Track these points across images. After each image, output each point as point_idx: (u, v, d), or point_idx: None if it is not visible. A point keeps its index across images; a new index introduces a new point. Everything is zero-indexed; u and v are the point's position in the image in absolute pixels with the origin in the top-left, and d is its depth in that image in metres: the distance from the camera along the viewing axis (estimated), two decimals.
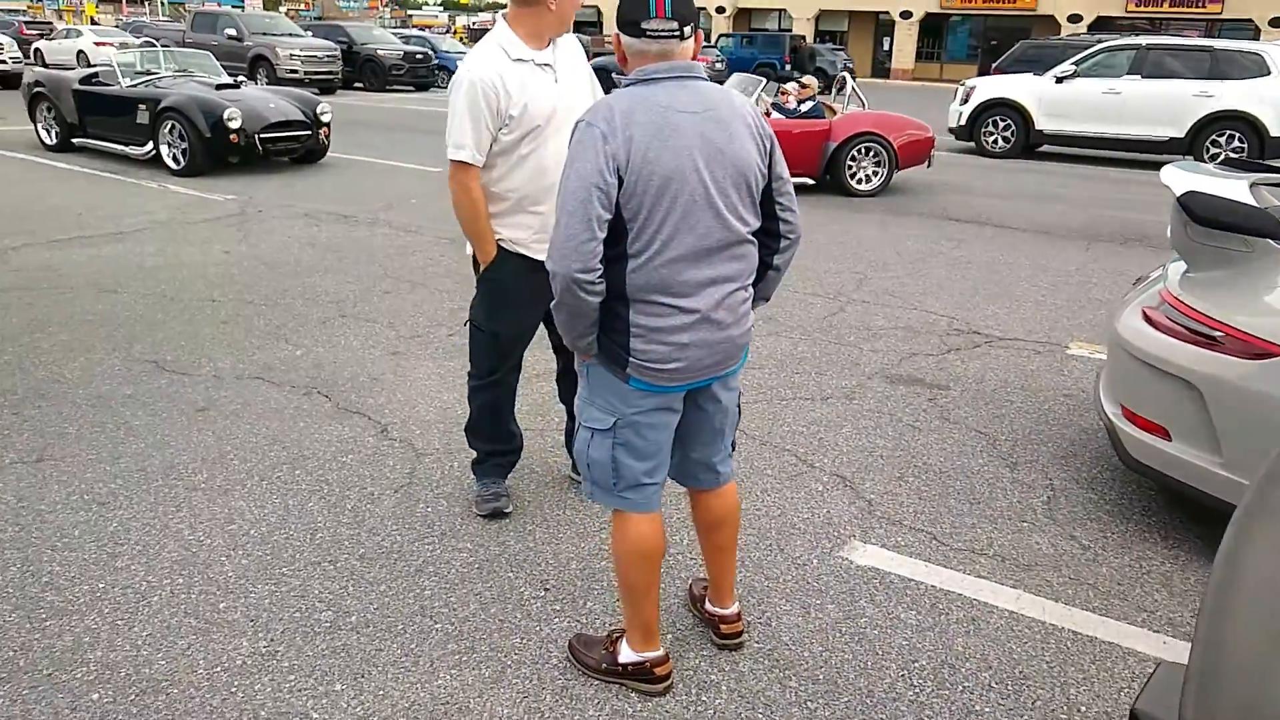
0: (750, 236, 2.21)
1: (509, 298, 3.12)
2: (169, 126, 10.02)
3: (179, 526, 3.22)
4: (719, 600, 2.68)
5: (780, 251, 2.33)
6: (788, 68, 30.39)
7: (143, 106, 10.24)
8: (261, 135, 10.13)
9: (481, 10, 76.97)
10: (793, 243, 2.34)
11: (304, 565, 3.03)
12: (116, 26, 35.22)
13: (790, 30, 39.30)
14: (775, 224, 2.28)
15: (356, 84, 24.07)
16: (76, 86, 11.07)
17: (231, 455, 3.76)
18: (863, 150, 10.12)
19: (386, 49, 24.56)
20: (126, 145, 10.57)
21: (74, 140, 11.20)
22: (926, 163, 10.55)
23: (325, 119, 10.88)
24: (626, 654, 2.49)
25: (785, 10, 42.78)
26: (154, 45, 13.86)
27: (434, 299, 5.97)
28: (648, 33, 2.08)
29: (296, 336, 5.18)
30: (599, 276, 2.06)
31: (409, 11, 78.00)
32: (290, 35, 22.64)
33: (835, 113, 10.49)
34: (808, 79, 10.89)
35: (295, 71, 20.72)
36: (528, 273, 3.02)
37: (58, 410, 4.11)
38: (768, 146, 2.23)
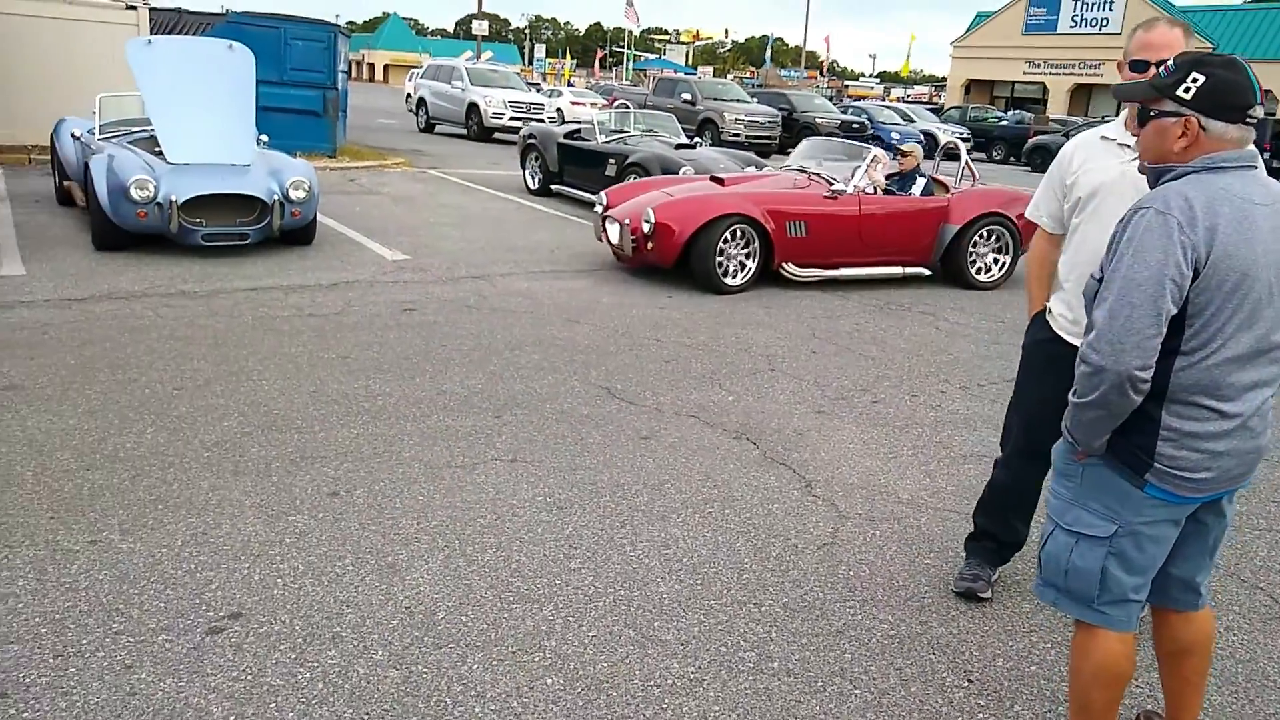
0: None
1: (1031, 372, 3.11)
2: (631, 179, 11.09)
3: (622, 542, 3.51)
4: None
5: None
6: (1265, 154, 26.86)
7: (612, 160, 11.45)
8: None
9: (918, 83, 76.83)
10: None
11: (730, 602, 3.15)
12: (588, 88, 39.83)
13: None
14: None
15: (789, 149, 25.00)
16: (561, 140, 12.66)
17: (669, 484, 4.03)
18: (984, 234, 8.66)
19: (825, 117, 25.30)
20: (594, 194, 11.84)
21: (551, 186, 12.79)
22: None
23: None
24: None
25: None
26: (628, 108, 15.45)
27: (858, 364, 6.01)
28: (1248, 118, 1.95)
29: (728, 382, 5.46)
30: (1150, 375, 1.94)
31: (845, 82, 79.87)
32: (738, 101, 24.13)
33: (947, 189, 8.88)
34: (910, 146, 9.33)
35: (738, 135, 22.01)
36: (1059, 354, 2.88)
37: (529, 419, 4.68)
38: None
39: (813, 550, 3.55)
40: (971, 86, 44.35)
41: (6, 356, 5.04)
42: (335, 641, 2.79)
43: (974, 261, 8.62)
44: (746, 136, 22.17)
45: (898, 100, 51.70)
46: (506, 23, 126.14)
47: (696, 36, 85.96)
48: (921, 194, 8.68)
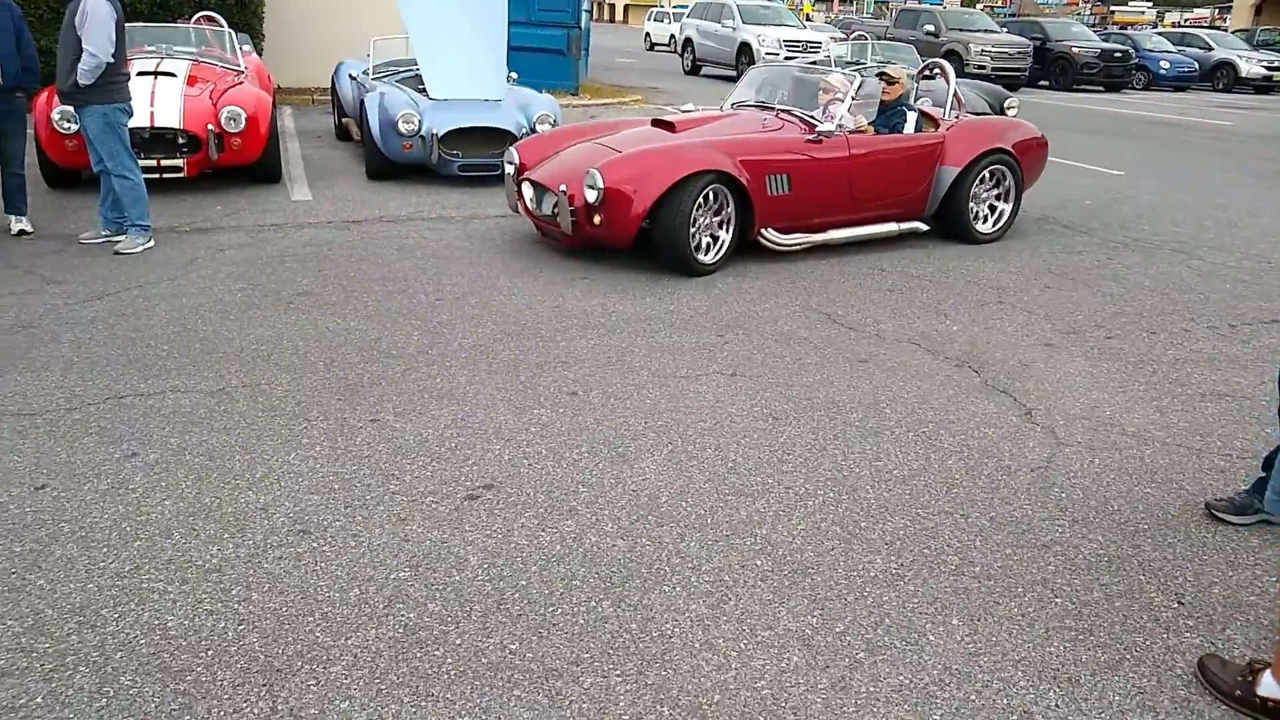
0: None
1: None
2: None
3: (834, 452, 3.69)
4: None
5: None
6: None
7: None
8: None
9: (1198, 6, 69.15)
10: None
11: (938, 512, 3.27)
12: (826, 23, 38.78)
13: None
14: None
15: (1042, 81, 23.51)
16: (796, 75, 12.57)
17: (885, 405, 4.15)
18: (985, 176, 7.01)
19: (1082, 46, 23.50)
20: None
21: None
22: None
23: (1011, 113, 10.92)
24: (1269, 687, 2.30)
25: None
26: (865, 39, 15.08)
27: (1095, 299, 5.78)
28: None
29: (954, 313, 5.44)
30: None
31: (1111, 7, 73.11)
32: (985, 31, 22.85)
33: (936, 123, 7.13)
34: (897, 70, 7.12)
35: (984, 67, 20.92)
36: None
37: (748, 339, 4.90)
38: None
39: (1026, 472, 3.58)
40: (1263, 6, 39.36)
41: (299, 268, 5.80)
42: (571, 514, 3.17)
43: (973, 209, 7.04)
44: (993, 69, 21.05)
45: (1173, 26, 46.90)
46: None
47: None
48: (914, 130, 6.97)
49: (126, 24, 6.14)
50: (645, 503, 3.25)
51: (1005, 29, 24.20)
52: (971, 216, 6.99)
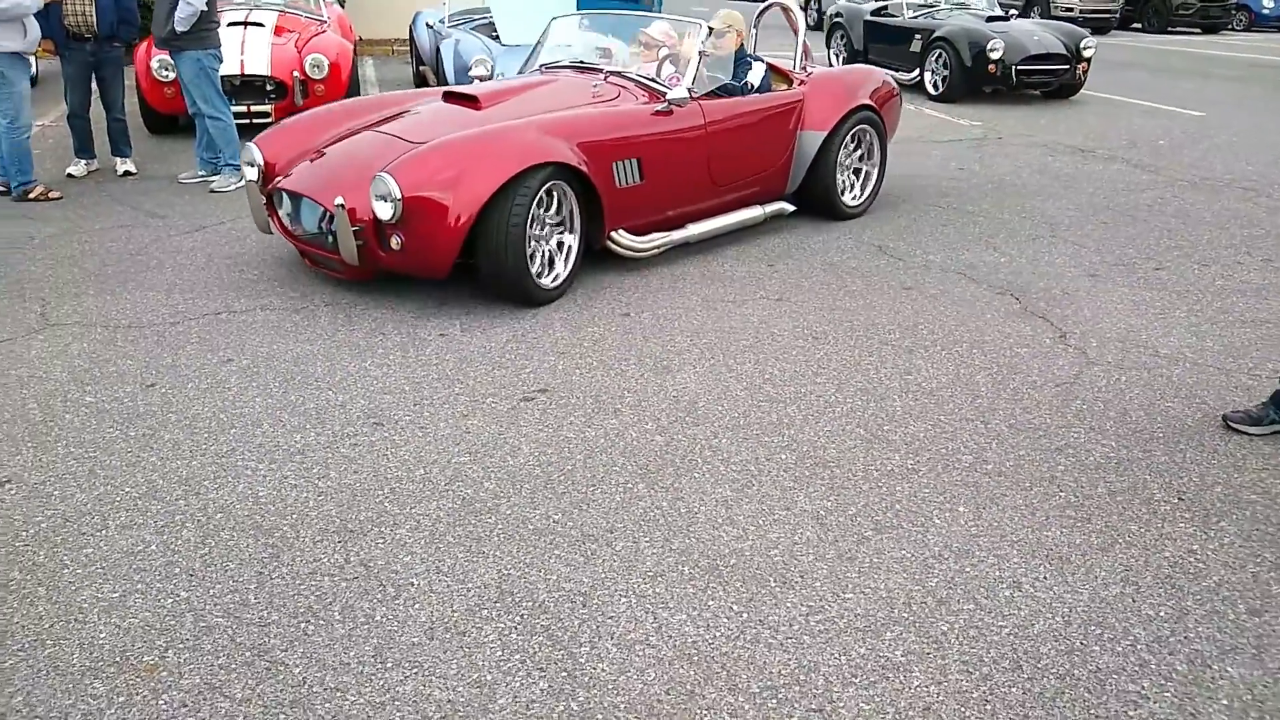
0: None
1: None
2: (936, 55, 10.86)
3: (866, 366, 3.91)
4: None
5: None
6: None
7: (918, 36, 11.23)
8: (1019, 67, 10.42)
9: None
10: None
11: (959, 419, 3.48)
12: None
13: None
14: None
15: (1135, 24, 22.69)
16: (868, 18, 12.51)
17: (922, 326, 4.34)
18: (850, 140, 5.88)
19: None
20: (897, 70, 11.69)
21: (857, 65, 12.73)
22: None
23: (1087, 54, 10.73)
24: None
25: None
26: None
27: (1150, 234, 5.82)
28: None
29: (1004, 246, 5.55)
30: None
31: None
32: None
33: (788, 79, 5.90)
34: (729, 15, 5.57)
35: (1071, 9, 20.29)
36: None
37: (798, 268, 5.11)
38: None
39: (1051, 387, 3.75)
40: None
41: None
42: (615, 414, 3.47)
43: (839, 180, 5.90)
44: (1081, 10, 20.39)
45: None
46: None
47: None
48: (761, 88, 5.57)
49: None
50: (684, 406, 3.54)
51: None
52: (839, 188, 5.91)
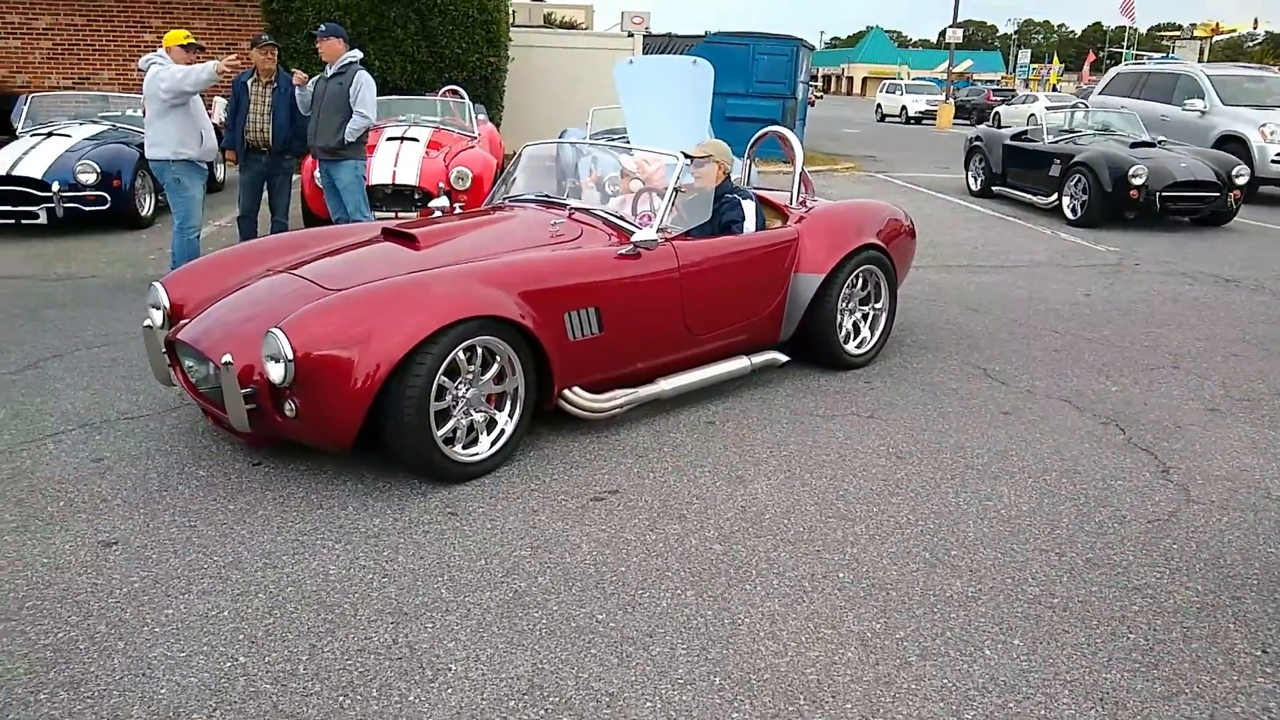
0: None
1: None
2: (1075, 180, 10.68)
3: (946, 490, 3.83)
4: None
5: None
6: None
7: (1057, 160, 11.09)
8: (1163, 193, 10.13)
9: None
10: None
11: (1034, 550, 3.36)
12: (1073, 93, 37.38)
13: None
14: None
15: None
16: (1007, 142, 12.48)
17: (1013, 453, 4.22)
18: (853, 281, 5.27)
19: None
20: (1034, 195, 11.58)
21: (993, 188, 12.65)
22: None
23: (1239, 182, 10.35)
24: None
25: None
26: (1083, 106, 14.64)
27: None
28: None
29: (1118, 375, 5.36)
30: None
31: None
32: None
33: (783, 213, 5.39)
34: (711, 144, 5.10)
35: None
36: None
37: (895, 386, 5.07)
38: None
39: (1140, 523, 3.58)
40: None
41: None
42: (679, 519, 3.52)
43: (840, 326, 5.27)
44: None
45: None
46: (993, 29, 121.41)
47: (1216, 30, 76.01)
48: (755, 226, 5.02)
49: (385, 97, 7.25)
50: (750, 517, 3.55)
51: None
52: (841, 335, 5.30)
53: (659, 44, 18.72)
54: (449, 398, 3.73)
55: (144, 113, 6.52)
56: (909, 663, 2.70)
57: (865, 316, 5.48)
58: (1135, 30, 67.33)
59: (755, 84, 15.71)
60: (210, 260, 4.65)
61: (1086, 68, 65.74)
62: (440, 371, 3.61)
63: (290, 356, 3.44)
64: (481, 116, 11.13)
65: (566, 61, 15.75)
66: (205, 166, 6.69)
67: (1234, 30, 78.44)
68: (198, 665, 2.62)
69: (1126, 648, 2.79)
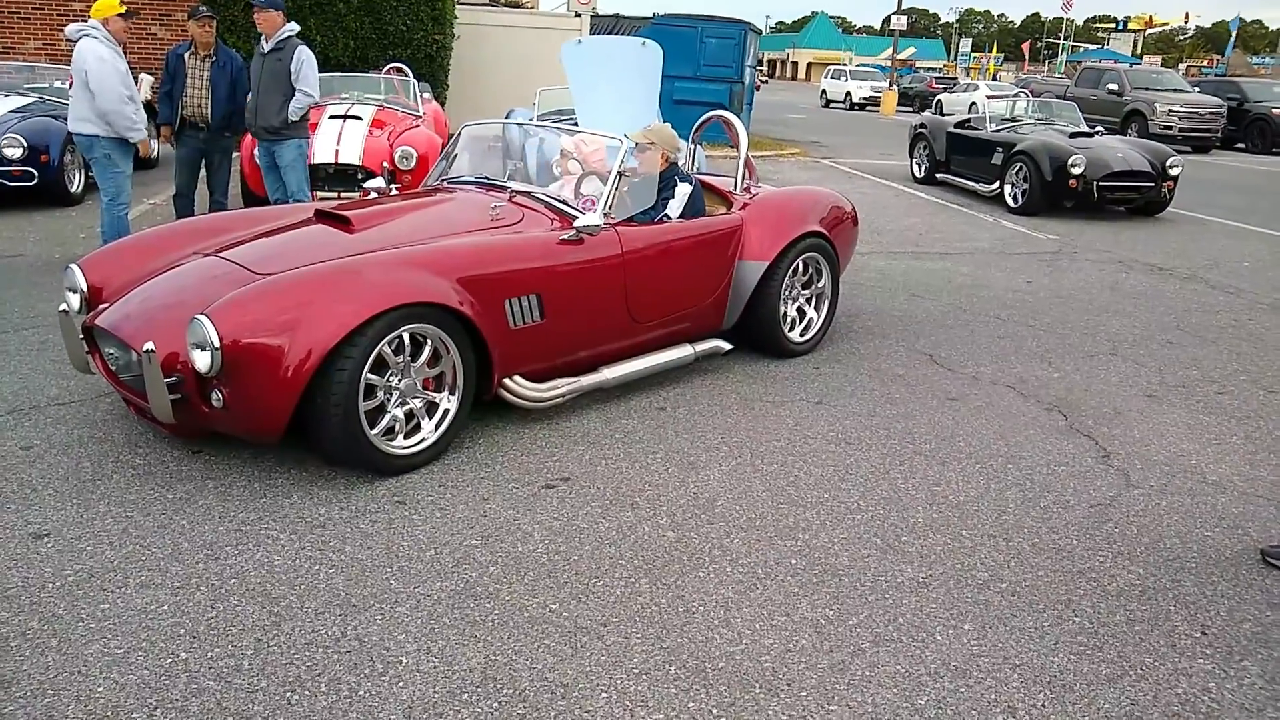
0: None
1: None
2: (1017, 168, 10.85)
3: (895, 475, 3.87)
4: None
5: None
6: None
7: (999, 149, 11.26)
8: (1100, 183, 10.33)
9: None
10: None
11: (983, 535, 3.41)
12: (1012, 82, 38.00)
13: None
14: None
15: (1238, 144, 22.28)
16: (951, 130, 12.62)
17: (959, 438, 4.28)
18: (796, 268, 5.26)
19: None
20: (977, 182, 11.74)
21: (937, 175, 12.80)
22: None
23: (1173, 173, 10.59)
24: None
25: None
26: (1025, 96, 14.88)
27: (1218, 357, 5.65)
28: None
29: (1059, 361, 5.46)
30: None
31: None
32: (1174, 90, 21.91)
33: (727, 200, 5.36)
34: (656, 128, 5.00)
35: (1170, 127, 20.08)
36: None
37: (843, 372, 5.10)
38: None
39: (1084, 508, 3.65)
40: None
41: None
42: (632, 507, 3.50)
43: (783, 313, 5.23)
44: (1180, 129, 20.17)
45: None
46: (935, 17, 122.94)
47: (1149, 23, 77.94)
48: (685, 210, 4.85)
49: (328, 74, 7.07)
50: (702, 504, 3.55)
51: (1198, 89, 23.11)
52: (784, 323, 5.26)
53: (607, 25, 18.57)
54: (380, 393, 3.59)
55: (70, 84, 6.27)
56: (862, 649, 2.71)
57: (810, 301, 5.45)
58: (1072, 22, 68.85)
59: (703, 67, 15.67)
60: (133, 241, 4.41)
61: (1026, 58, 66.87)
62: (368, 364, 3.45)
63: (217, 344, 3.27)
64: (426, 95, 10.92)
65: (514, 41, 15.54)
66: (150, 144, 6.46)
67: (1166, 24, 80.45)
68: (136, 662, 2.53)
69: (1073, 631, 2.84)
